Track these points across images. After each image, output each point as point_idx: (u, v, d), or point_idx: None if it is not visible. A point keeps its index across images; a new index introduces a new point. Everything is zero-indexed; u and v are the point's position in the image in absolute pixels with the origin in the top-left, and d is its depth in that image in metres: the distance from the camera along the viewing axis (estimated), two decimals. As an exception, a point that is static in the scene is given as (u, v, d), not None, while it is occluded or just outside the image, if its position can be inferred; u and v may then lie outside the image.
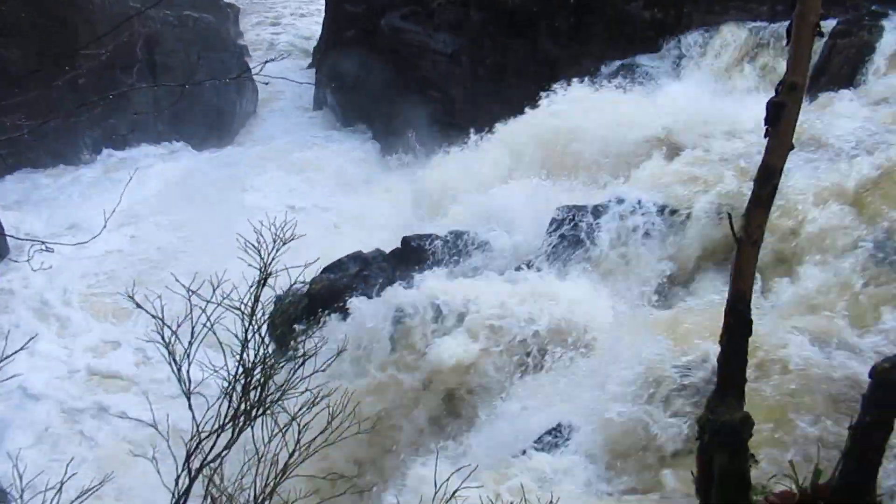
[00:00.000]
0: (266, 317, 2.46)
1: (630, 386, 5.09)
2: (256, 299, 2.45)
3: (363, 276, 9.33)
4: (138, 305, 2.35)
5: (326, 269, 9.48)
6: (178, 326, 2.38)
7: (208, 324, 2.37)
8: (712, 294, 6.69)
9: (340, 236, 11.62)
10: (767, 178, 3.28)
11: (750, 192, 3.27)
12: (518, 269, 7.89)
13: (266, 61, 5.59)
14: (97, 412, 8.27)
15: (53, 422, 8.31)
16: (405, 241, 9.38)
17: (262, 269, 2.44)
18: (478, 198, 9.30)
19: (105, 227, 3.78)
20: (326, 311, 7.75)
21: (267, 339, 2.47)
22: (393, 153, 14.53)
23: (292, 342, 2.78)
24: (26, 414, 8.49)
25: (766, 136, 3.35)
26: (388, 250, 9.25)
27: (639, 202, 7.80)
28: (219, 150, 15.37)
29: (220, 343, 2.47)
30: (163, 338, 2.37)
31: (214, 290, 2.41)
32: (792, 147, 3.37)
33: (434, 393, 6.57)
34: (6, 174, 13.25)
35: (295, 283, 2.49)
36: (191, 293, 2.38)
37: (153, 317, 2.37)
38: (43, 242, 3.52)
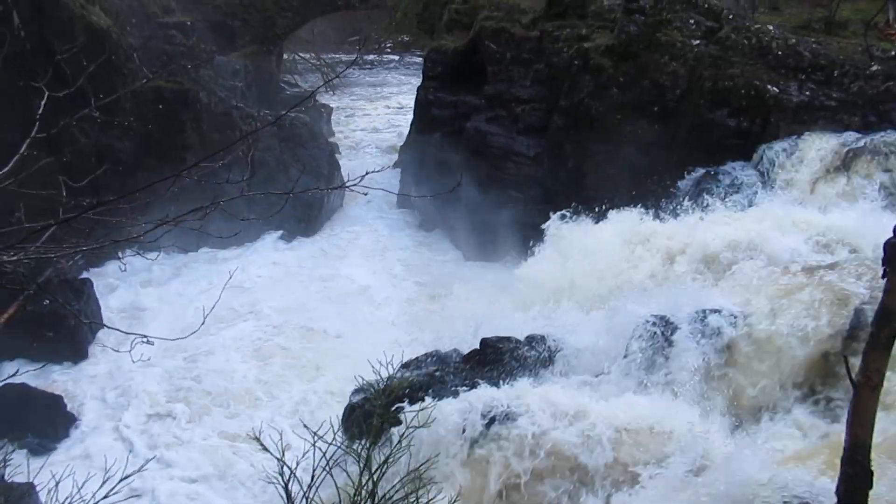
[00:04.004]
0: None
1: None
2: (373, 443, 2.53)
3: (439, 378, 9.35)
4: (264, 448, 2.46)
5: (404, 366, 9.55)
6: (297, 465, 2.48)
7: (327, 467, 2.45)
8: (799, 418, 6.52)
9: (419, 331, 11.76)
10: (886, 320, 3.22)
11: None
12: (596, 377, 7.78)
13: (366, 173, 5.85)
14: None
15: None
16: (484, 342, 9.39)
17: (378, 417, 2.53)
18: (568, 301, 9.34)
19: (203, 323, 3.98)
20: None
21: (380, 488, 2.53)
22: (473, 253, 14.78)
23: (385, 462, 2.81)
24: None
25: (883, 277, 3.31)
26: (460, 346, 9.32)
27: (730, 314, 7.62)
28: (307, 239, 15.94)
29: (337, 486, 2.54)
30: (282, 477, 2.46)
31: (335, 435, 2.51)
32: (911, 288, 3.31)
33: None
34: (109, 260, 13.98)
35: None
36: (316, 438, 2.48)
37: (275, 457, 2.47)
38: (144, 336, 3.71)
